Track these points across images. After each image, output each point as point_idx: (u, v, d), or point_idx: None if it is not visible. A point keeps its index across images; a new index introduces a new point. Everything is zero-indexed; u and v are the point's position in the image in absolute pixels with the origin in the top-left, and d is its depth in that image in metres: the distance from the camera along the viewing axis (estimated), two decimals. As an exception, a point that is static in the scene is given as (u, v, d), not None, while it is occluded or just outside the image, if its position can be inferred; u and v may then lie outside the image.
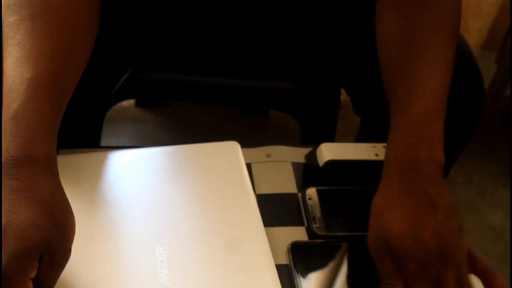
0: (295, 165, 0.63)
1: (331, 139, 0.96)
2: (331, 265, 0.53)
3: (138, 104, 1.41)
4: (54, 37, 0.51)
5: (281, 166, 0.61)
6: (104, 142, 0.83)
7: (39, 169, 0.45)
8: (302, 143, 0.66)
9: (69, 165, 0.58)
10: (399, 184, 0.50)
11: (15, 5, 0.52)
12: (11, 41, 0.50)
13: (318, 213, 0.58)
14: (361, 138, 0.79)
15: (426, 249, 0.46)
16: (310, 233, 0.57)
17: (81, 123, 0.67)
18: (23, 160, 0.45)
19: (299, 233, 0.57)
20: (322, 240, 0.55)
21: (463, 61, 0.65)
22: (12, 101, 0.47)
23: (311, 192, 0.59)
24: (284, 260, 0.54)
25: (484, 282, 0.49)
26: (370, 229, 0.50)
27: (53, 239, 0.44)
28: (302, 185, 0.62)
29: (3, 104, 0.47)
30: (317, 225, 0.57)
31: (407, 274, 0.47)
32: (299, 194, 0.61)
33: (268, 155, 0.65)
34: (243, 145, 0.63)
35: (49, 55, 0.50)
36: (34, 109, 0.47)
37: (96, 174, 0.58)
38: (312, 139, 0.94)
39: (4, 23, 0.52)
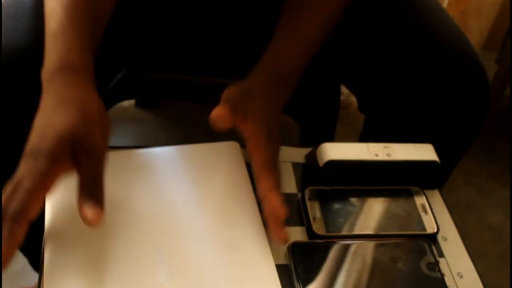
0: (295, 165, 0.63)
1: (331, 139, 0.96)
2: (331, 265, 0.53)
3: (138, 104, 1.41)
4: None
5: (281, 166, 0.61)
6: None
7: (76, 75, 0.52)
8: (302, 143, 0.66)
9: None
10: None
11: None
12: None
13: (318, 213, 0.58)
14: (365, 135, 0.79)
15: (270, 121, 0.56)
16: (310, 233, 0.57)
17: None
18: (62, 67, 0.51)
19: (299, 233, 0.57)
20: (322, 240, 0.55)
21: (468, 64, 0.65)
22: (53, 23, 0.54)
23: (311, 192, 0.59)
24: (284, 260, 0.54)
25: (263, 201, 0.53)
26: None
27: (85, 135, 0.49)
28: (302, 185, 0.61)
29: (45, 27, 0.55)
30: (317, 225, 0.57)
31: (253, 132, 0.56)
32: (299, 194, 0.60)
33: (268, 155, 0.65)
34: (243, 145, 0.63)
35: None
36: (73, 27, 0.54)
37: (96, 174, 0.58)
38: (312, 139, 0.94)
39: None
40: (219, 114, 0.55)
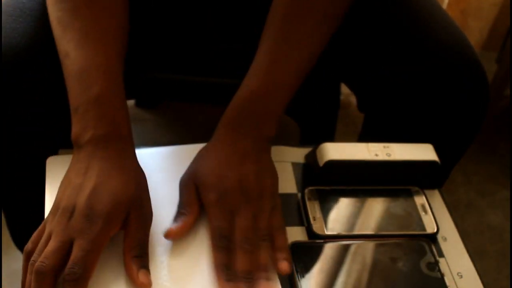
0: (295, 165, 0.63)
1: (330, 139, 0.96)
2: (331, 265, 0.53)
3: (138, 104, 1.41)
4: (104, 22, 0.58)
5: (281, 166, 0.61)
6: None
7: (125, 144, 0.54)
8: (302, 143, 0.66)
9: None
10: (221, 140, 0.58)
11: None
12: (68, 27, 0.57)
13: (318, 213, 0.58)
14: (364, 134, 0.79)
15: (227, 185, 0.53)
16: (310, 233, 0.57)
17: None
18: (112, 136, 0.53)
19: (299, 233, 0.57)
20: (322, 240, 0.55)
21: (467, 64, 0.65)
22: (94, 85, 0.54)
23: (311, 192, 0.59)
24: (284, 260, 0.54)
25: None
26: (186, 170, 0.57)
27: (139, 200, 0.51)
28: (302, 185, 0.61)
29: (76, 86, 0.55)
30: (317, 225, 0.57)
31: (206, 204, 0.53)
32: (299, 194, 0.60)
33: (268, 155, 0.65)
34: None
35: (108, 40, 0.57)
36: (117, 93, 0.55)
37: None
38: (312, 139, 0.94)
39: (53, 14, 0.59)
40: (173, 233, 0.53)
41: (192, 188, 0.55)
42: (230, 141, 0.57)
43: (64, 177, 0.53)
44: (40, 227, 0.51)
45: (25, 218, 0.75)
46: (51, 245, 0.47)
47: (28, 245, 0.49)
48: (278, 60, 0.59)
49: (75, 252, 0.47)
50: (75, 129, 0.54)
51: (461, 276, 0.55)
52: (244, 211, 0.52)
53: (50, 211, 0.51)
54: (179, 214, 0.54)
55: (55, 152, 0.60)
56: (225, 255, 0.51)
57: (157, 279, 0.50)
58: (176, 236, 0.53)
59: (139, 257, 0.50)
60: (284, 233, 0.53)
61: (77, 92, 0.54)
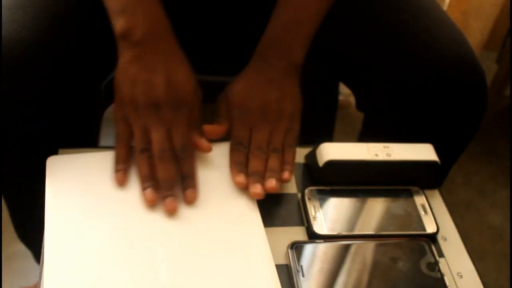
0: (295, 165, 0.63)
1: (329, 138, 0.96)
2: (331, 265, 0.53)
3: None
4: None
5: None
6: (104, 142, 0.83)
7: (173, 39, 0.61)
8: (301, 143, 0.66)
9: (69, 165, 0.58)
10: (252, 68, 0.65)
11: None
12: None
13: (318, 213, 0.58)
14: (363, 134, 0.79)
15: (249, 104, 0.62)
16: (310, 233, 0.57)
17: (78, 122, 0.67)
18: (162, 31, 0.60)
19: (299, 233, 0.57)
20: (322, 240, 0.55)
21: (466, 64, 0.65)
22: None
23: (311, 192, 0.59)
24: (284, 260, 0.54)
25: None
26: (223, 90, 0.65)
27: (196, 95, 0.60)
28: (302, 185, 0.62)
29: None
30: (317, 225, 0.57)
31: (231, 118, 0.62)
32: (299, 194, 0.60)
33: (268, 155, 0.65)
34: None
35: None
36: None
37: (96, 174, 0.58)
38: (312, 139, 0.94)
39: None
40: (209, 131, 0.62)
41: (224, 104, 0.64)
42: (260, 69, 0.64)
43: (122, 76, 0.58)
44: (119, 124, 0.59)
45: (27, 216, 0.75)
46: (157, 135, 0.56)
47: (136, 143, 0.57)
48: None
49: (179, 140, 0.57)
50: (123, 27, 0.58)
51: (461, 276, 0.55)
52: (261, 128, 0.61)
53: (122, 105, 0.58)
54: (215, 123, 0.63)
55: (55, 152, 0.60)
56: (239, 156, 0.60)
57: (157, 279, 0.50)
58: (212, 135, 0.61)
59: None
60: (293, 151, 0.62)
61: None
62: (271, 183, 0.57)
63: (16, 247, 0.84)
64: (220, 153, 0.61)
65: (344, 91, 0.92)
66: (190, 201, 0.56)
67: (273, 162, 0.60)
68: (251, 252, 0.54)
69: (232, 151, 0.61)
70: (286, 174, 0.59)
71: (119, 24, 0.59)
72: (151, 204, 0.55)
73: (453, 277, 0.55)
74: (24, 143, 0.63)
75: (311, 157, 0.62)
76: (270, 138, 0.61)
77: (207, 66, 0.85)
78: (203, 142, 0.59)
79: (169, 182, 0.56)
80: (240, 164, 0.59)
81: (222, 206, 0.57)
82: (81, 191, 0.56)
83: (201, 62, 0.84)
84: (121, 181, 0.57)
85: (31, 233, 0.80)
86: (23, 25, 0.60)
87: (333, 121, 0.98)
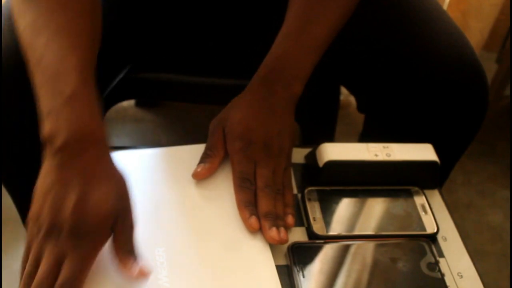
0: (295, 165, 0.63)
1: (330, 139, 0.96)
2: (331, 265, 0.53)
3: (138, 104, 1.41)
4: (77, 26, 0.55)
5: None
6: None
7: (101, 148, 0.51)
8: (301, 143, 0.66)
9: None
10: (253, 94, 0.61)
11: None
12: (42, 29, 0.54)
13: (318, 214, 0.58)
14: (364, 135, 0.79)
15: (252, 137, 0.58)
16: (310, 233, 0.57)
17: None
18: (88, 140, 0.50)
19: (299, 233, 0.57)
20: (322, 240, 0.55)
21: (467, 65, 0.65)
22: (63, 84, 0.51)
23: (311, 192, 0.59)
24: (284, 260, 0.54)
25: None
26: (218, 115, 0.61)
27: (122, 208, 0.50)
28: (302, 185, 0.61)
29: (48, 88, 0.51)
30: (317, 225, 0.57)
31: (232, 150, 0.58)
32: (299, 195, 0.60)
33: (268, 155, 0.65)
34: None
35: (83, 40, 0.54)
36: (88, 92, 0.51)
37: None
38: (311, 139, 0.94)
39: (22, 21, 0.56)
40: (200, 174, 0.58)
41: (220, 133, 0.59)
42: (261, 96, 0.61)
43: (39, 186, 0.50)
44: (26, 244, 0.50)
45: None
46: (43, 269, 0.47)
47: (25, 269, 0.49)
48: (308, 23, 0.63)
49: (65, 273, 0.46)
50: (47, 131, 0.50)
51: (461, 276, 0.55)
52: (266, 163, 0.57)
53: (31, 221, 0.49)
54: (206, 155, 0.58)
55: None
56: (248, 194, 0.56)
57: (157, 280, 0.50)
58: (202, 177, 0.58)
59: (129, 253, 0.49)
60: (292, 192, 0.59)
61: (49, 97, 0.51)
62: (283, 234, 0.54)
63: (16, 248, 0.84)
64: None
65: (345, 91, 0.92)
66: None
67: (279, 207, 0.56)
68: (252, 252, 0.54)
69: (239, 187, 0.57)
70: (290, 219, 0.56)
71: (44, 127, 0.50)
72: None
73: (453, 277, 0.55)
74: (25, 142, 0.63)
75: (311, 157, 0.62)
76: (273, 177, 0.58)
77: (207, 68, 0.85)
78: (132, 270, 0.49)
79: None
80: (250, 204, 0.55)
81: (222, 206, 0.57)
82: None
83: (201, 63, 0.85)
84: None
85: None
86: None
87: (334, 123, 0.98)
